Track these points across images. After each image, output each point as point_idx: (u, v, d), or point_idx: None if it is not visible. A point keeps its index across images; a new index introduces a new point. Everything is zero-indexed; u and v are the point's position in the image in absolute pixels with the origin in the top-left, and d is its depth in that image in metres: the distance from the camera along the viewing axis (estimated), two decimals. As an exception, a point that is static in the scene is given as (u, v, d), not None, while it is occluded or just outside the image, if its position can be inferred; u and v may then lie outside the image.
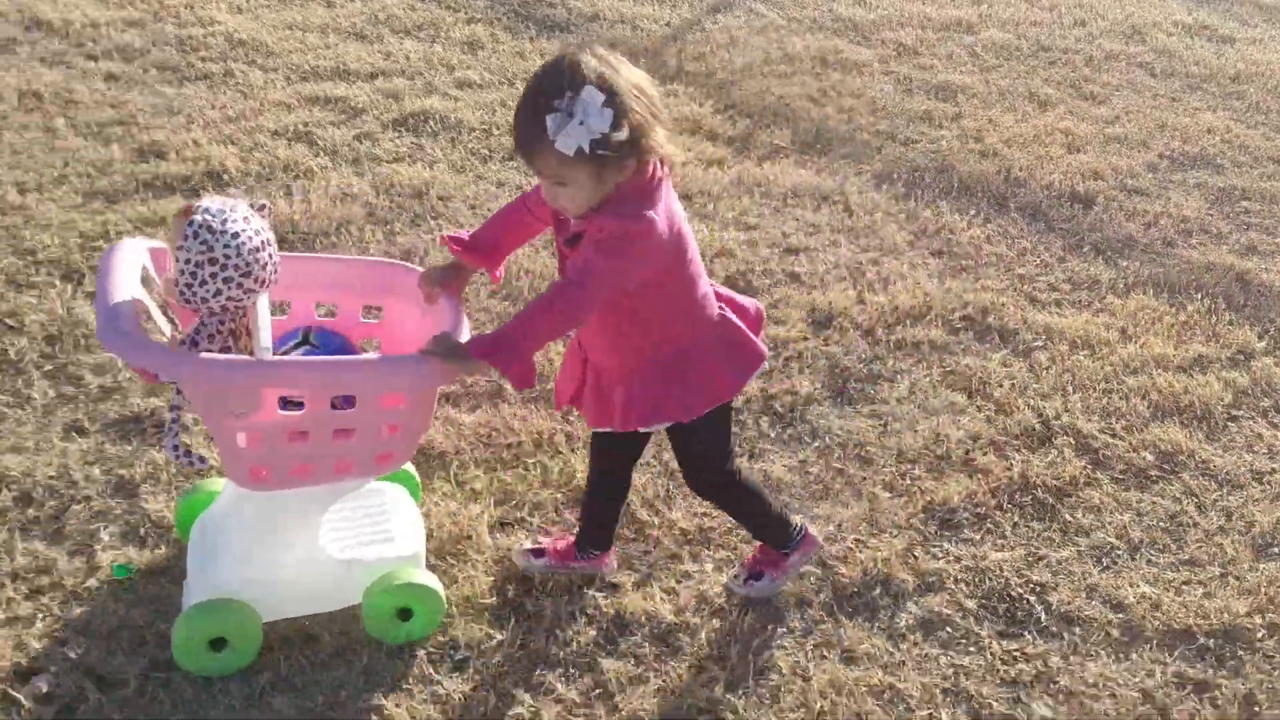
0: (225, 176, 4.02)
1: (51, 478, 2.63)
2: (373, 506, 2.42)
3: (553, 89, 1.88)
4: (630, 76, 1.94)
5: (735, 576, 2.54)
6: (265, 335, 2.08)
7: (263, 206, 2.06)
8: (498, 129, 4.56)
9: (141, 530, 2.52)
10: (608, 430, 2.26)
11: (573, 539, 2.54)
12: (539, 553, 2.53)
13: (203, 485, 2.46)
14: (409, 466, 2.59)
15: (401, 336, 2.30)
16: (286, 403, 2.05)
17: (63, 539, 2.48)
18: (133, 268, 2.05)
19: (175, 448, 2.06)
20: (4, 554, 2.42)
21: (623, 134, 1.90)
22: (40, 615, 2.30)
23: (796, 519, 2.54)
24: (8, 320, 3.12)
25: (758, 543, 2.54)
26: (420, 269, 2.30)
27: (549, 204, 2.07)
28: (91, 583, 2.38)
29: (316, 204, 3.86)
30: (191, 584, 2.25)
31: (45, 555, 2.43)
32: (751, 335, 2.26)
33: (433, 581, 2.32)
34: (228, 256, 1.95)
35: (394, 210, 3.92)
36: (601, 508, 2.51)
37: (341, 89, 4.79)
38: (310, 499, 2.19)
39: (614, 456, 2.44)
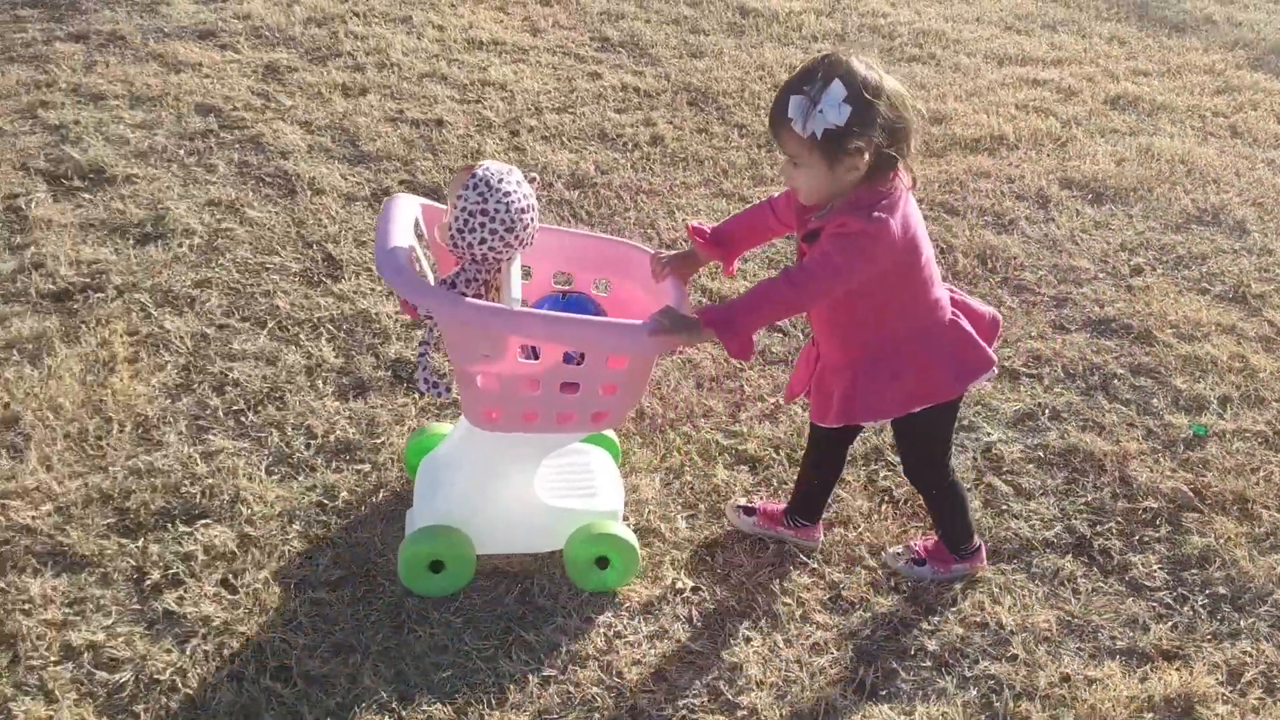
0: (1005, 141, 4.67)
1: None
2: (579, 464, 2.61)
3: (809, 75, 2.02)
4: (887, 86, 2.03)
5: (898, 554, 2.58)
6: (516, 289, 2.27)
7: (533, 179, 2.27)
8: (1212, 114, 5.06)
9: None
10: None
11: (783, 505, 2.63)
12: (749, 510, 2.64)
13: (429, 427, 2.70)
14: (611, 434, 2.75)
15: (623, 313, 2.43)
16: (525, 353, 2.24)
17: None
18: (408, 217, 2.27)
19: (425, 379, 2.28)
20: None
21: (856, 133, 2.00)
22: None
23: (977, 538, 2.57)
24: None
25: (935, 536, 2.57)
26: (650, 250, 2.44)
27: (786, 181, 2.19)
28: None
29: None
30: (416, 513, 2.46)
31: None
32: (980, 341, 2.30)
33: (631, 536, 2.45)
34: (497, 210, 2.17)
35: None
36: (812, 482, 2.59)
37: (1047, 73, 5.42)
38: (530, 446, 2.37)
39: (828, 438, 2.50)
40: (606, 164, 4.30)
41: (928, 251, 2.21)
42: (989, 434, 3.01)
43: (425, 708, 2.19)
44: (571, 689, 2.25)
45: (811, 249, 2.18)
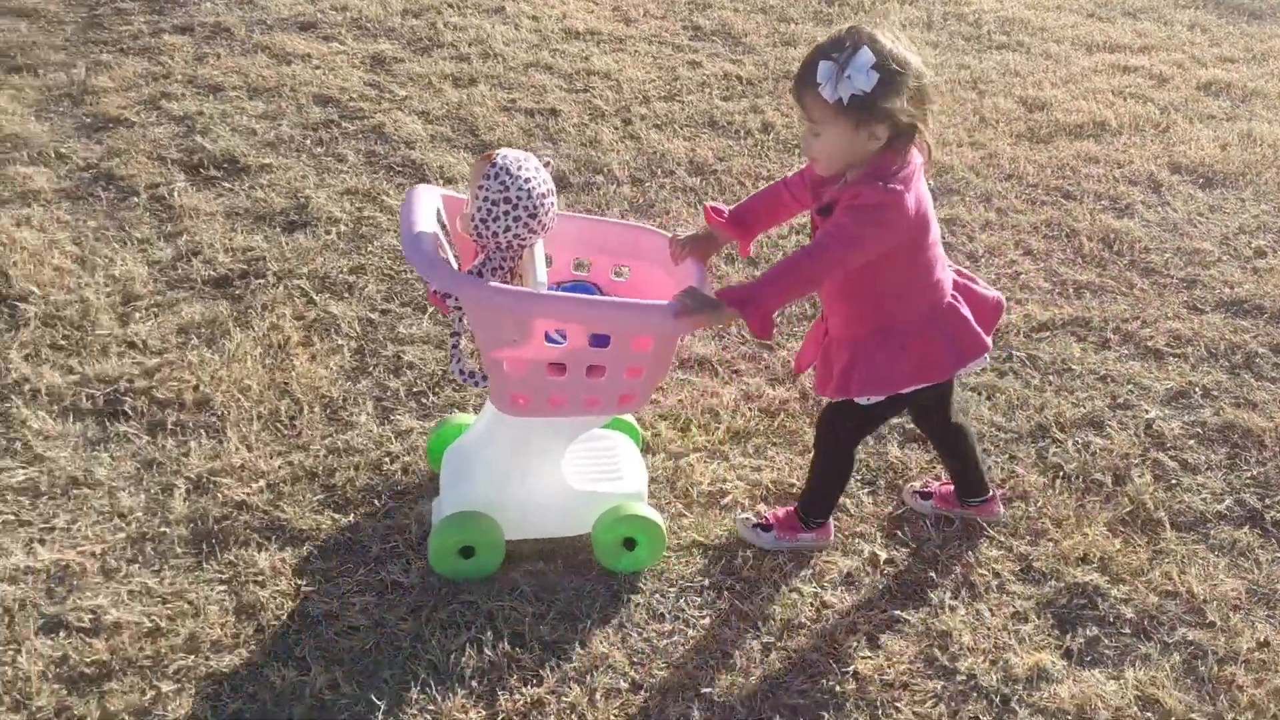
0: (1108, 126, 4.76)
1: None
2: (602, 448, 2.64)
3: (837, 43, 2.07)
4: (911, 59, 2.08)
5: (745, 519, 2.62)
6: (542, 273, 2.29)
7: (546, 163, 2.29)
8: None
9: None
10: (826, 399, 2.43)
11: (791, 509, 2.61)
12: (925, 495, 2.69)
13: (451, 419, 2.73)
14: (630, 418, 2.79)
15: (643, 296, 2.44)
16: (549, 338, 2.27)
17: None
18: (430, 207, 2.29)
19: (461, 370, 2.34)
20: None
21: (881, 100, 2.05)
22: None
23: (991, 488, 2.66)
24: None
25: (790, 507, 2.61)
26: (666, 234, 2.47)
27: (805, 152, 2.23)
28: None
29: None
30: (443, 500, 2.47)
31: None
32: (976, 326, 2.33)
33: (657, 516, 2.49)
34: (520, 198, 2.20)
35: None
36: (947, 457, 2.64)
37: (1137, 60, 5.50)
38: (557, 431, 2.40)
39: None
40: (722, 151, 4.39)
41: (935, 231, 2.25)
42: (1147, 411, 3.09)
43: (657, 672, 2.28)
44: (792, 655, 2.34)
45: (826, 222, 2.21)
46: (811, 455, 2.62)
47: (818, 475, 2.57)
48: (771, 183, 2.50)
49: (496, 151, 2.23)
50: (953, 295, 2.34)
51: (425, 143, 4.31)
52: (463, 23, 5.40)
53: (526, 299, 2.19)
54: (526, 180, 2.22)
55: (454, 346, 2.35)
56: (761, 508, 2.70)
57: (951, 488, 2.68)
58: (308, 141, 4.26)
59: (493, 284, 2.19)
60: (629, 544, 2.47)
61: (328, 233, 3.68)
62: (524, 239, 2.24)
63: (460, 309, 2.27)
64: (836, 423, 2.50)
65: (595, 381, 2.28)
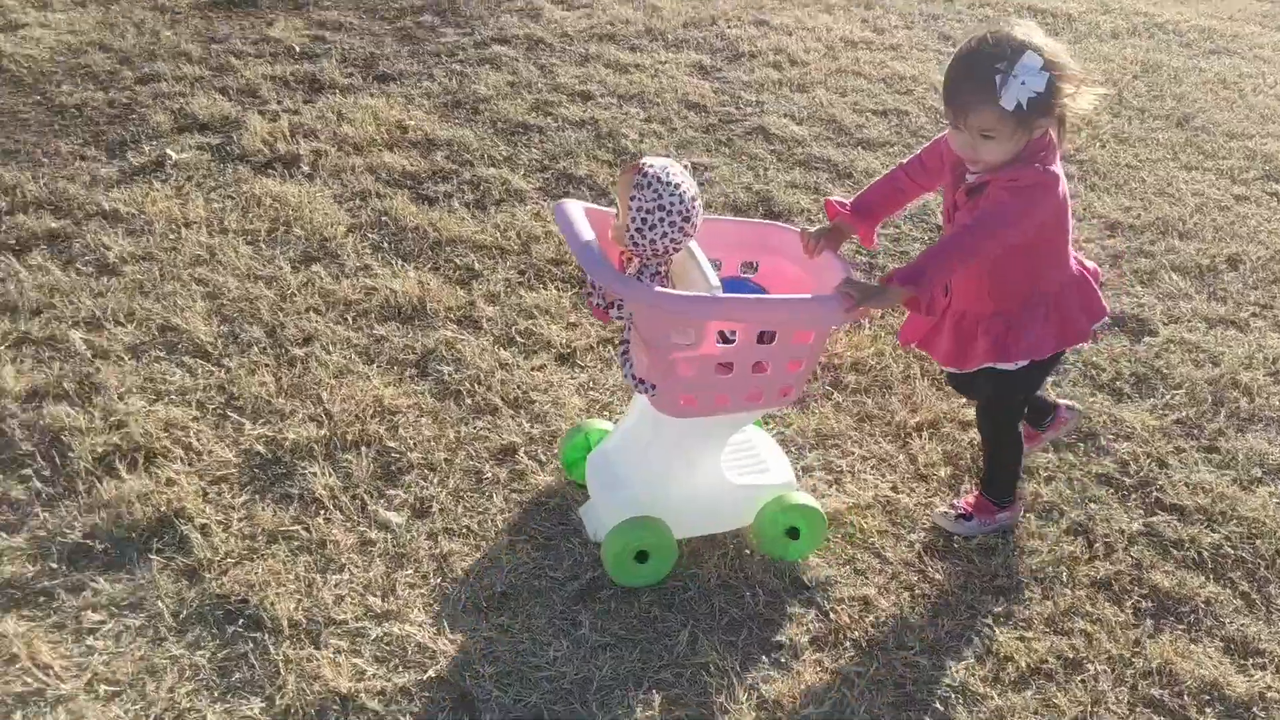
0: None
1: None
2: (743, 442, 2.72)
3: (996, 54, 2.19)
4: (1053, 46, 2.23)
5: (946, 513, 2.78)
6: (713, 276, 2.34)
7: (687, 166, 2.39)
8: None
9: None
10: (955, 370, 2.59)
11: (977, 494, 2.79)
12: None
13: (586, 425, 2.82)
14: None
15: (775, 288, 2.55)
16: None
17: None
18: (584, 219, 2.37)
19: (633, 377, 2.40)
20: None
21: (1052, 98, 2.20)
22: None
23: (1019, 489, 2.81)
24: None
25: (976, 492, 2.80)
26: (795, 229, 2.60)
27: (966, 158, 2.34)
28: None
29: None
30: (602, 507, 2.57)
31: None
32: (1098, 291, 2.54)
33: (817, 504, 2.60)
34: (673, 203, 2.28)
35: None
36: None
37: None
38: (717, 429, 2.49)
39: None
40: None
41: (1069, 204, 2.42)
42: None
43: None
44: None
45: (976, 201, 2.33)
46: (981, 442, 2.82)
47: (992, 457, 2.76)
48: (890, 170, 2.64)
49: (643, 160, 2.33)
50: (1077, 259, 2.54)
51: (810, 141, 4.85)
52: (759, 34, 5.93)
53: (711, 303, 2.28)
54: (678, 186, 2.30)
55: (624, 354, 2.44)
56: (952, 500, 2.87)
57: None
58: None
59: (675, 292, 2.31)
60: (792, 533, 2.59)
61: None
62: (679, 244, 2.34)
63: (624, 317, 2.38)
64: (994, 406, 2.69)
65: (759, 377, 2.40)
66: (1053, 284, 2.47)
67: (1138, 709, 2.38)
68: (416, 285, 3.61)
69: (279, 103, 4.79)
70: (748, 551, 2.71)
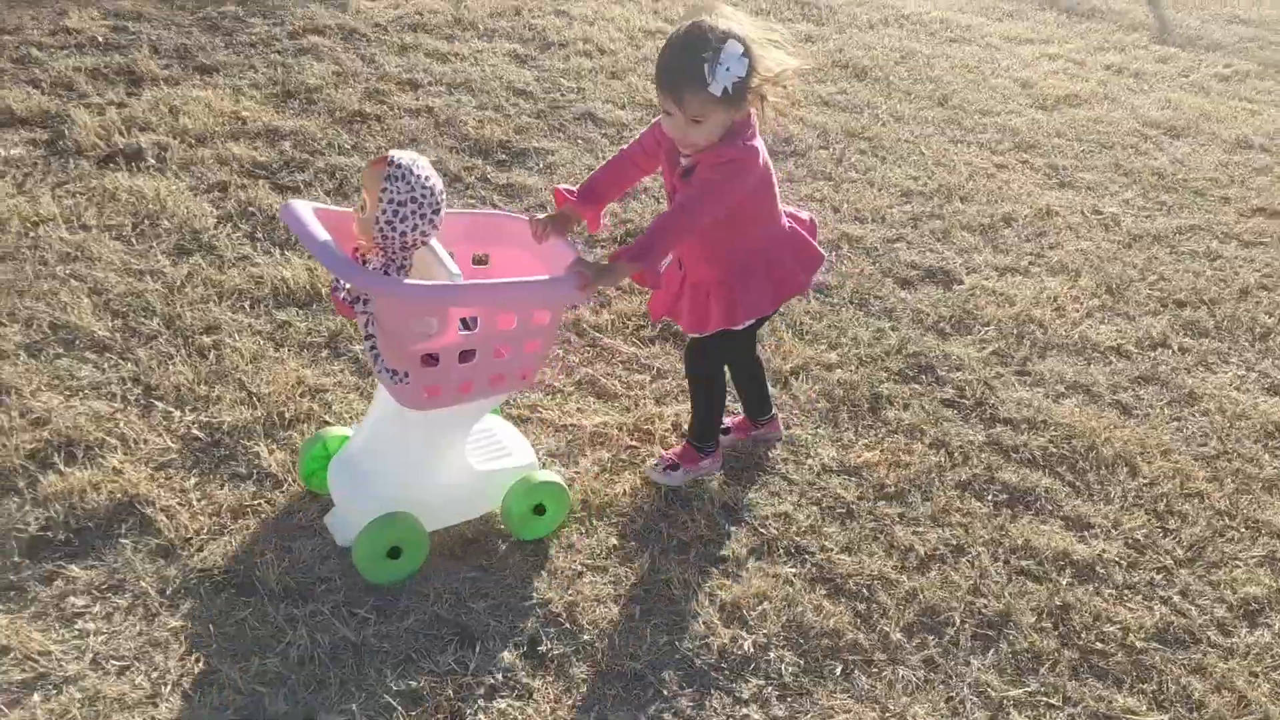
0: None
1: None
2: (482, 430, 2.82)
3: (701, 43, 2.37)
4: (750, 33, 2.43)
5: (655, 466, 3.03)
6: (453, 265, 2.42)
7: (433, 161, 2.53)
8: None
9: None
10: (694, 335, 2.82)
11: (684, 444, 3.05)
12: (725, 430, 3.14)
13: (324, 434, 2.80)
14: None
15: (512, 275, 2.66)
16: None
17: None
18: (313, 218, 2.36)
19: (386, 370, 2.40)
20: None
21: (750, 81, 2.41)
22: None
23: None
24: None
25: (683, 441, 3.06)
26: (523, 217, 2.70)
27: (678, 141, 2.52)
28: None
29: None
30: (349, 511, 2.61)
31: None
32: (812, 241, 2.80)
33: (562, 480, 2.76)
34: (424, 196, 2.35)
35: None
36: (746, 385, 3.11)
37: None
38: (460, 419, 2.57)
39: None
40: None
41: (772, 169, 2.66)
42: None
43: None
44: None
45: (688, 183, 2.54)
46: (690, 392, 3.06)
47: (703, 403, 3.00)
48: (614, 155, 2.78)
49: (392, 153, 2.37)
50: (786, 217, 2.78)
51: (635, 125, 5.19)
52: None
53: (455, 291, 2.36)
54: (427, 179, 2.36)
55: (373, 349, 2.43)
56: (658, 450, 3.14)
57: (741, 416, 3.20)
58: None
59: (419, 283, 2.35)
60: (539, 510, 2.72)
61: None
62: (427, 236, 2.39)
63: (368, 312, 2.39)
64: (710, 353, 2.91)
65: (500, 361, 2.50)
66: (765, 243, 2.71)
67: (1014, 577, 2.93)
68: (305, 272, 3.73)
69: (100, 95, 4.71)
70: (685, 488, 3.07)
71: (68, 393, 3.09)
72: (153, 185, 4.09)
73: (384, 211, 2.34)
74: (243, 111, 4.75)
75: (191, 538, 2.70)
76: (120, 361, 3.24)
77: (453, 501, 2.70)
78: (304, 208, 2.40)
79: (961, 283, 4.33)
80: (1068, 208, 5.08)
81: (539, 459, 2.89)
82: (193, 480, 2.87)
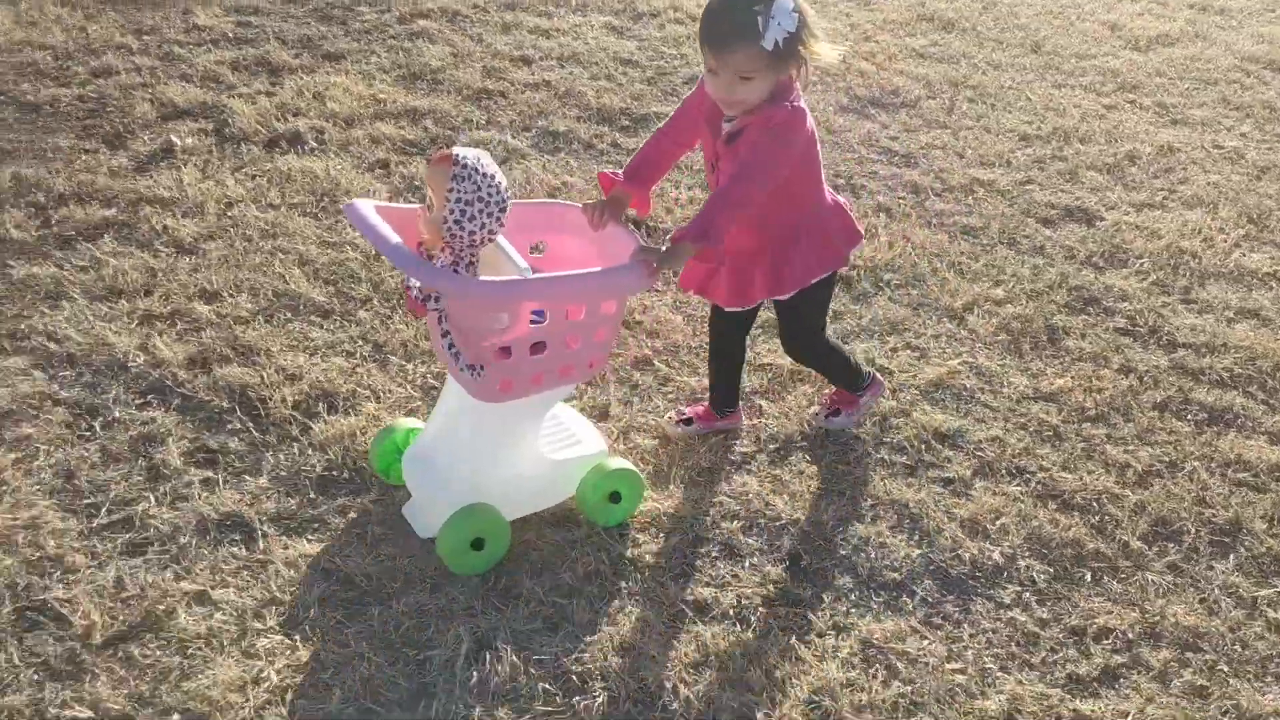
0: None
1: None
2: (551, 419, 2.80)
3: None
4: None
5: (818, 414, 3.09)
6: (521, 259, 2.45)
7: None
8: None
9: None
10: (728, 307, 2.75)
11: (707, 405, 3.06)
12: (688, 421, 3.05)
13: (394, 426, 2.81)
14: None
15: (568, 265, 2.65)
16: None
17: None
18: (380, 217, 2.37)
19: (465, 365, 2.38)
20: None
21: (800, 36, 2.39)
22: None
23: (866, 368, 3.10)
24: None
25: (834, 386, 3.09)
26: (577, 205, 2.69)
27: (723, 101, 2.48)
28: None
29: None
30: (428, 503, 2.63)
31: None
32: (852, 216, 2.79)
33: (633, 467, 2.77)
34: (491, 194, 2.32)
35: None
36: (725, 373, 3.01)
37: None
38: (534, 407, 2.58)
39: (730, 328, 2.92)
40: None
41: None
42: None
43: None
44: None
45: (735, 148, 2.51)
46: (815, 369, 3.12)
47: (825, 370, 3.06)
48: (653, 134, 2.76)
49: (455, 151, 2.33)
50: (829, 193, 2.76)
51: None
52: None
53: (526, 286, 2.37)
54: (493, 176, 2.34)
55: (449, 346, 2.41)
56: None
57: (705, 406, 3.10)
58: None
59: (488, 278, 2.37)
60: (614, 497, 2.72)
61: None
62: (494, 233, 2.38)
63: (440, 309, 2.38)
64: (797, 331, 2.91)
65: (570, 351, 2.49)
66: (811, 212, 2.68)
67: (1234, 489, 3.10)
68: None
69: (246, 85, 4.88)
70: (898, 420, 3.24)
71: (308, 352, 3.29)
72: (321, 165, 4.27)
73: (451, 211, 2.31)
74: (379, 94, 4.92)
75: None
76: (344, 323, 3.43)
77: (529, 491, 2.71)
78: (367, 206, 2.40)
79: (1103, 219, 4.47)
80: (1187, 144, 5.20)
81: (608, 445, 2.87)
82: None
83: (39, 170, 4.07)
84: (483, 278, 2.39)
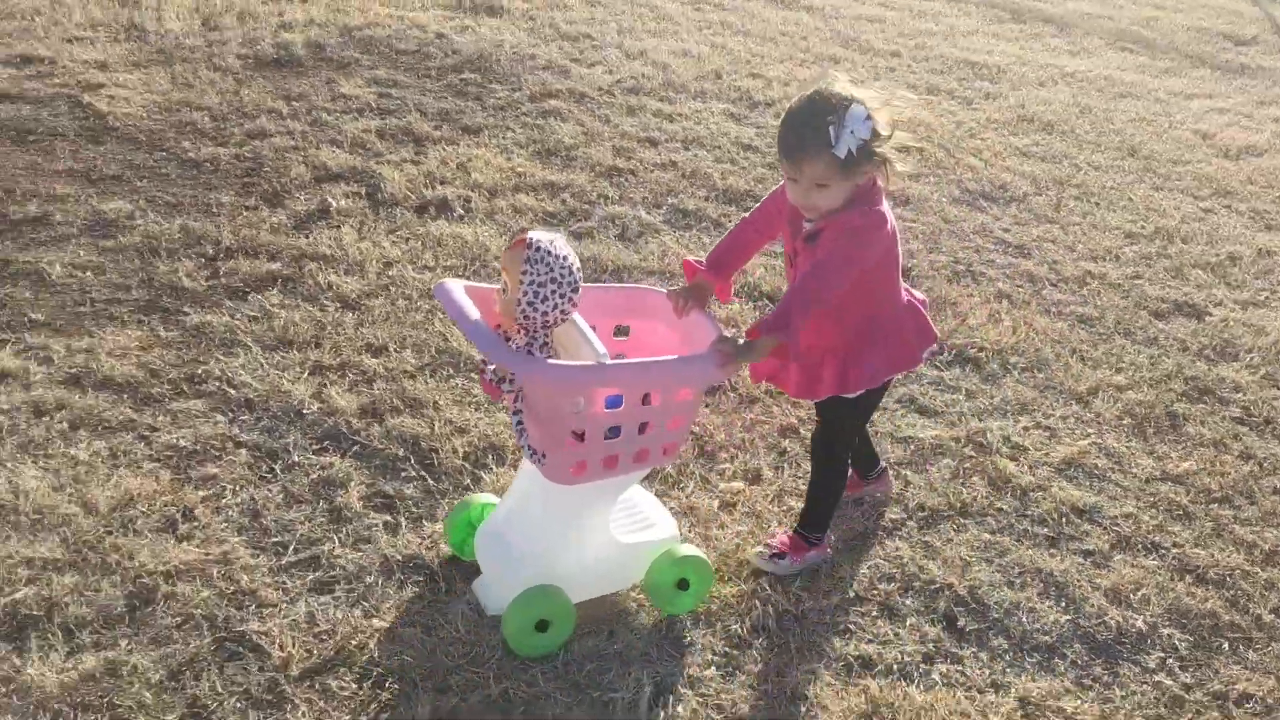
0: None
1: None
2: (625, 500, 2.81)
3: (825, 107, 2.44)
4: (872, 100, 2.48)
5: (760, 552, 2.95)
6: (598, 344, 2.45)
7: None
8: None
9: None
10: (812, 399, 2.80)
11: (789, 534, 2.99)
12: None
13: (469, 500, 2.87)
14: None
15: (650, 350, 2.72)
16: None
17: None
18: (467, 298, 2.45)
19: (529, 448, 2.46)
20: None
21: (874, 144, 2.46)
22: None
23: (828, 533, 3.01)
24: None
25: (789, 532, 2.98)
26: (662, 291, 2.75)
27: (802, 206, 2.56)
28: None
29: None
30: (497, 581, 2.65)
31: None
32: (928, 317, 2.80)
33: (703, 554, 2.76)
34: (564, 275, 2.39)
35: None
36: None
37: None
38: (605, 493, 2.60)
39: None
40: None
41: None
42: None
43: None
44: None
45: (813, 248, 2.58)
46: (811, 474, 3.02)
47: (819, 486, 2.97)
48: (736, 224, 2.86)
49: (529, 235, 2.41)
50: (906, 289, 2.79)
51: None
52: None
53: (602, 371, 2.40)
54: (566, 259, 2.41)
55: (519, 425, 2.49)
56: (767, 539, 3.05)
57: (852, 472, 3.12)
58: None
59: (563, 362, 2.42)
60: (682, 584, 2.73)
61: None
62: (567, 314, 2.44)
63: (515, 391, 2.47)
64: (832, 428, 2.90)
65: (644, 437, 2.52)
66: (886, 314, 2.72)
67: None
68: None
69: (393, 154, 5.21)
70: (1036, 493, 3.42)
71: (473, 406, 3.51)
72: (470, 231, 4.56)
73: (525, 293, 2.38)
74: (518, 167, 5.23)
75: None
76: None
77: (598, 574, 2.73)
78: (457, 287, 2.50)
79: (1210, 314, 4.66)
80: (1285, 248, 5.41)
81: (680, 531, 2.90)
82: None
83: (205, 223, 4.37)
84: (558, 361, 2.45)
